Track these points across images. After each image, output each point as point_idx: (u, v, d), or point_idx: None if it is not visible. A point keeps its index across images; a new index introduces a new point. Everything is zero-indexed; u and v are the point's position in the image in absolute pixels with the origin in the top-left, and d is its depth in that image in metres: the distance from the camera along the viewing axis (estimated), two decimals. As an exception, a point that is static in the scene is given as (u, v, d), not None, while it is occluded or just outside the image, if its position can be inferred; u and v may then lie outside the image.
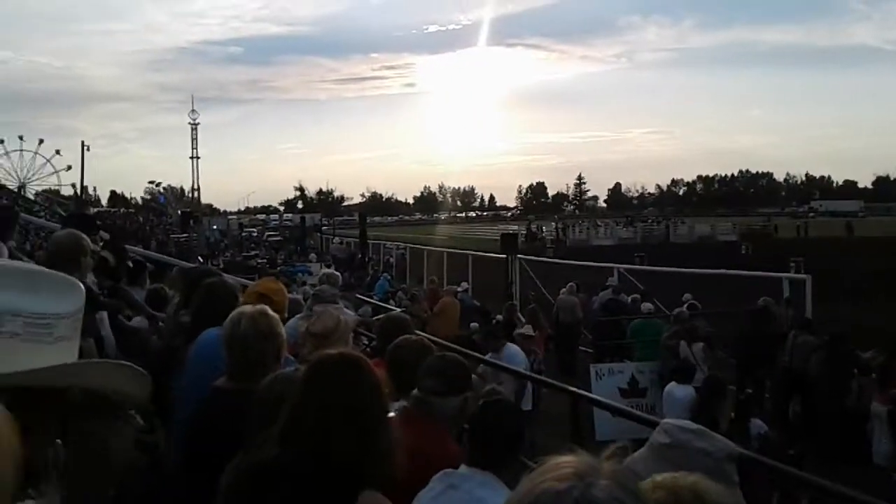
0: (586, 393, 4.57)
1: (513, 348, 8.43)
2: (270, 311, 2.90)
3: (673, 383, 8.71)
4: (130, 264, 5.99)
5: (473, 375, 2.97)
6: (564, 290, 15.67)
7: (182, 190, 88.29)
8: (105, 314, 4.34)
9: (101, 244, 4.93)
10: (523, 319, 12.31)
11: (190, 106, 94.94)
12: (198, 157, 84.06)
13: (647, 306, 13.49)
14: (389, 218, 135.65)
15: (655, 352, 11.12)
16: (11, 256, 5.09)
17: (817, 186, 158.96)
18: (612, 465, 0.90)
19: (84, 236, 3.82)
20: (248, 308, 2.91)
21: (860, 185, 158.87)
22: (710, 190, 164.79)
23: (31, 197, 66.83)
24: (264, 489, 1.86)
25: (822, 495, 3.50)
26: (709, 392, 7.59)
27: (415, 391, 2.81)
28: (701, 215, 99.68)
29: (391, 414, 2.19)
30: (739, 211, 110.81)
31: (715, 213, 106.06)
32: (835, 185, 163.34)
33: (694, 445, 1.94)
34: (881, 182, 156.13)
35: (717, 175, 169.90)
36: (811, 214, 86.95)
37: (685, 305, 12.51)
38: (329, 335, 3.68)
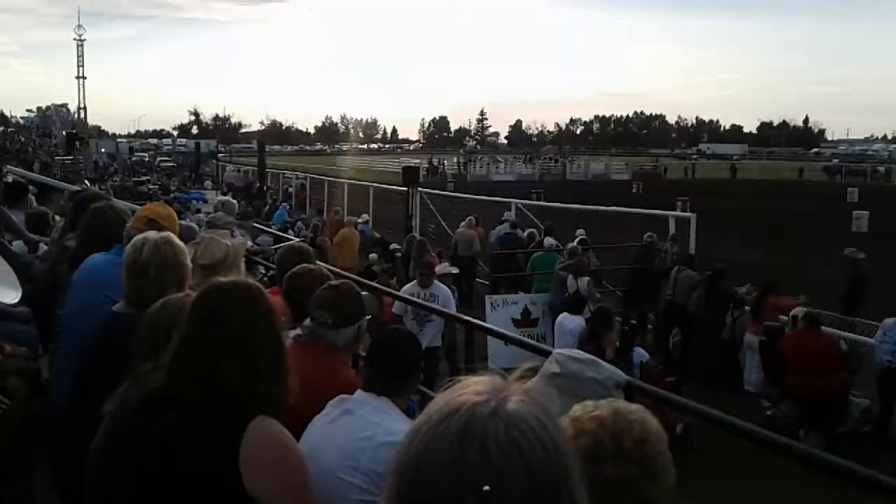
0: (481, 322, 4.69)
1: (444, 288, 8.29)
2: (176, 240, 2.82)
3: (564, 314, 9.09)
4: (7, 181, 5.64)
5: (364, 294, 3.00)
6: (463, 223, 15.86)
7: (67, 109, 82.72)
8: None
9: (-25, 166, 4.61)
10: (432, 251, 12.49)
11: (76, 20, 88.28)
12: (84, 78, 78.51)
13: (549, 241, 13.84)
14: (289, 147, 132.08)
15: (547, 284, 11.51)
16: None
17: (706, 129, 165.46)
18: (521, 384, 0.95)
19: (-48, 154, 3.57)
20: (152, 234, 2.82)
21: (745, 130, 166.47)
22: (605, 130, 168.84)
23: None
24: (151, 418, 1.82)
25: (698, 419, 3.77)
26: (596, 322, 7.99)
27: (307, 321, 2.82)
28: (597, 154, 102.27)
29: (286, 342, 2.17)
30: (632, 151, 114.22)
31: (609, 153, 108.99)
32: (722, 129, 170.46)
33: (584, 374, 2.00)
34: (765, 127, 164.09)
35: (612, 115, 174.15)
36: (694, 157, 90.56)
37: (577, 240, 12.92)
38: (218, 265, 3.57)
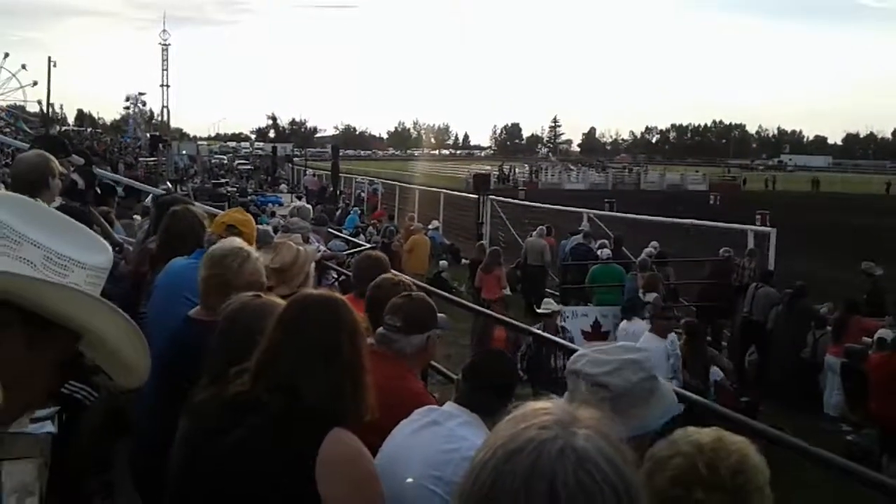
0: (549, 335, 4.66)
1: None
2: (255, 254, 2.88)
3: (625, 321, 8.96)
4: (98, 189, 5.89)
5: (440, 315, 3.00)
6: (534, 232, 15.76)
7: (151, 113, 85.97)
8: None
9: (72, 168, 4.82)
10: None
11: (162, 25, 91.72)
12: (168, 86, 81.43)
13: (606, 252, 13.66)
14: (362, 152, 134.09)
15: (613, 297, 11.33)
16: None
17: (788, 140, 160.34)
18: (589, 412, 0.92)
19: (52, 158, 3.74)
20: (230, 245, 2.88)
21: (830, 141, 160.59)
22: (682, 139, 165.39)
23: (-6, 111, 64.61)
24: (235, 421, 1.88)
25: (768, 443, 3.64)
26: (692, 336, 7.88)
27: (380, 329, 2.85)
28: (672, 163, 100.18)
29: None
30: (710, 161, 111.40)
31: (685, 162, 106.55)
32: (805, 139, 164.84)
33: (634, 380, 1.82)
34: (850, 139, 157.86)
35: (689, 124, 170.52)
36: (789, 167, 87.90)
37: (647, 253, 12.68)
38: (288, 269, 3.69)
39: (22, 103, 71.98)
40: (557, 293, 14.48)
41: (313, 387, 1.86)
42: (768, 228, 14.31)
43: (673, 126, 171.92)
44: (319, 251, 6.50)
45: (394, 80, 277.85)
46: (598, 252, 13.69)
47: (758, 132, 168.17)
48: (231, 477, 1.85)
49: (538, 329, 7.11)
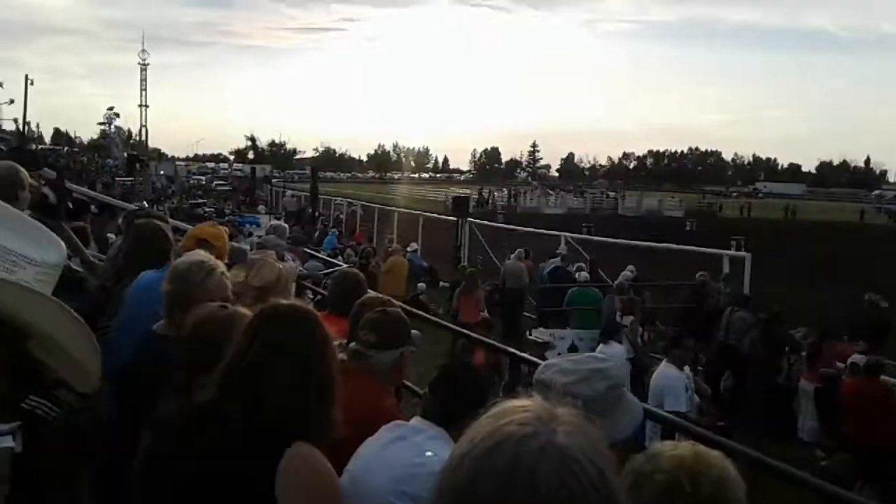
0: (523, 354, 4.65)
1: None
2: (221, 268, 2.84)
3: (601, 345, 8.97)
4: (70, 204, 5.81)
5: (413, 331, 2.97)
6: (513, 255, 15.80)
7: (129, 132, 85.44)
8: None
9: (43, 182, 4.75)
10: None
11: (140, 45, 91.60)
12: (146, 106, 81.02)
13: (584, 275, 13.73)
14: (342, 174, 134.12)
15: (590, 320, 11.36)
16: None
17: (763, 168, 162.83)
18: (568, 410, 0.91)
19: (21, 169, 3.68)
20: (195, 258, 2.84)
21: (804, 169, 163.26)
22: (659, 165, 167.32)
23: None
24: (195, 431, 1.85)
25: (746, 465, 3.64)
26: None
27: (352, 344, 2.81)
28: (650, 189, 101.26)
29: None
30: (686, 187, 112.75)
31: (663, 189, 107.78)
32: (780, 167, 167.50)
33: (599, 390, 1.82)
34: (824, 167, 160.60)
35: (667, 150, 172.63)
36: (758, 194, 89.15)
37: (625, 277, 12.76)
38: (270, 288, 3.66)
39: (-3, 121, 71.48)
40: (535, 316, 14.51)
41: (278, 399, 1.82)
42: (743, 253, 14.47)
43: (650, 152, 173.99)
44: (297, 270, 6.46)
45: (374, 103, 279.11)
46: (576, 275, 13.76)
47: (733, 159, 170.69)
48: (193, 489, 1.81)
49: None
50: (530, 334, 13.15)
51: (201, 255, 2.84)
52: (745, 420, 9.51)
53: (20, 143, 39.90)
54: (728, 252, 14.78)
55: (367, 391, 2.70)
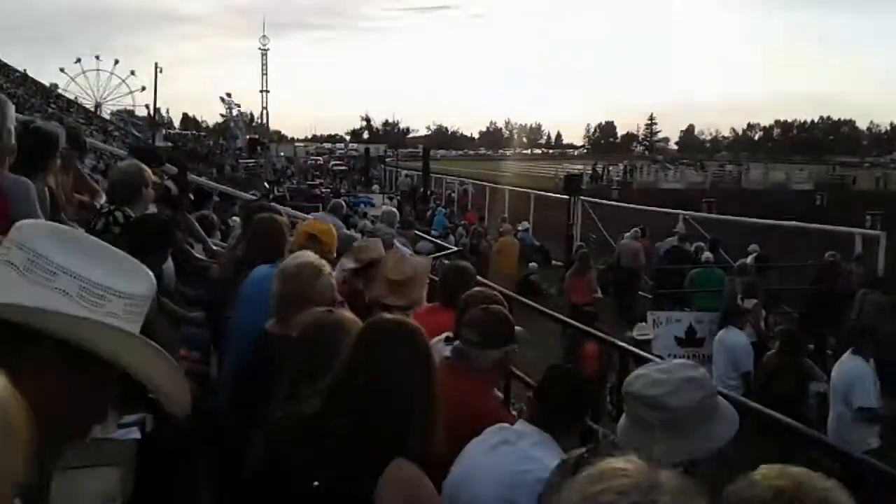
0: (635, 350, 4.48)
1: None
2: (327, 268, 2.89)
3: (724, 330, 8.57)
4: (192, 195, 6.10)
5: (517, 328, 2.92)
6: (628, 234, 15.38)
7: (251, 116, 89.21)
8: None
9: (166, 177, 5.01)
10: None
11: (262, 30, 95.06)
12: (267, 91, 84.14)
13: (707, 255, 13.16)
14: (454, 152, 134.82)
15: (714, 302, 10.89)
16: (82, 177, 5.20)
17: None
18: (670, 475, 0.84)
19: (145, 167, 3.88)
20: (306, 259, 2.90)
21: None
22: (787, 136, 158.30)
23: (107, 116, 68.62)
24: (305, 441, 1.90)
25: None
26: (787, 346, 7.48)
27: (456, 342, 2.80)
28: (777, 162, 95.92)
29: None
30: (817, 159, 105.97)
31: (791, 161, 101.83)
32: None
33: (695, 400, 1.79)
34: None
35: (795, 120, 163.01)
36: (893, 166, 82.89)
37: (749, 257, 12.14)
38: (407, 282, 3.75)
39: (131, 108, 76.41)
40: (650, 296, 14.12)
41: (382, 414, 1.84)
42: (878, 232, 13.48)
43: (777, 122, 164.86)
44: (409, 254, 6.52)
45: (485, 80, 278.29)
46: (700, 255, 13.24)
47: (869, 128, 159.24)
48: (298, 498, 1.86)
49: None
50: (632, 313, 12.84)
51: (310, 256, 2.89)
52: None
53: (151, 127, 42.42)
54: (861, 230, 13.77)
55: (470, 389, 2.69)
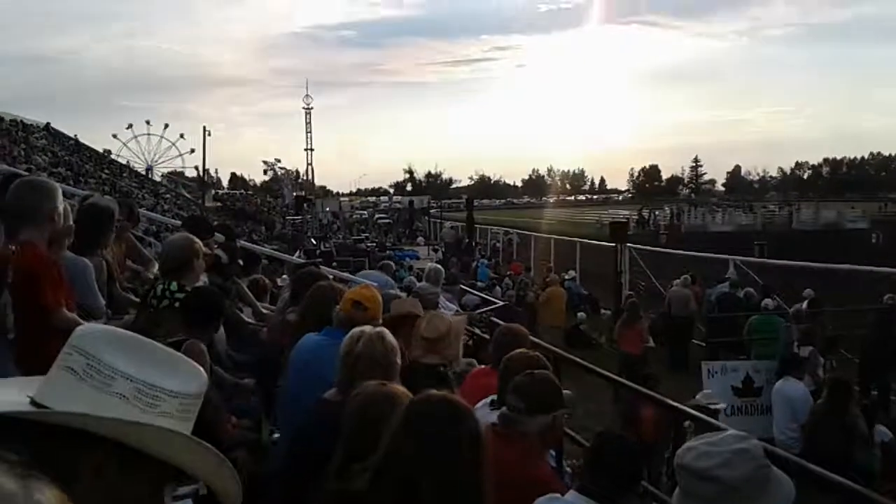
0: (681, 406, 4.36)
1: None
2: (389, 336, 2.90)
3: (782, 380, 8.36)
4: (241, 262, 6.24)
5: (565, 392, 2.89)
6: (678, 281, 15.14)
7: (297, 172, 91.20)
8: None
9: (216, 245, 5.15)
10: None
11: (304, 90, 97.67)
12: (311, 150, 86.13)
13: (767, 302, 12.85)
14: (497, 201, 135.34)
15: (773, 350, 10.61)
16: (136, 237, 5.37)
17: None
18: None
19: (196, 239, 3.99)
20: (368, 329, 2.93)
21: None
22: (837, 173, 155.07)
23: (158, 179, 70.91)
24: None
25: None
26: (834, 396, 7.25)
27: (503, 408, 2.78)
28: (827, 200, 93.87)
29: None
30: (869, 196, 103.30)
31: (843, 199, 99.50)
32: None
33: (748, 471, 1.77)
34: None
35: (845, 158, 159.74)
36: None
37: (804, 303, 11.84)
38: (441, 339, 3.77)
39: (181, 169, 78.89)
40: (703, 345, 13.82)
41: (428, 492, 1.82)
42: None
43: (826, 160, 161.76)
44: (452, 312, 6.53)
45: (527, 129, 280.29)
46: (762, 302, 12.95)
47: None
48: None
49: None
50: (684, 361, 12.50)
51: (383, 331, 2.91)
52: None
53: (201, 188, 43.65)
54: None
55: (518, 457, 2.66)
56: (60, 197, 3.24)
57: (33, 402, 1.11)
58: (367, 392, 2.37)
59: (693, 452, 1.84)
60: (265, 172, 78.61)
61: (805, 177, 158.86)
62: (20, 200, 3.12)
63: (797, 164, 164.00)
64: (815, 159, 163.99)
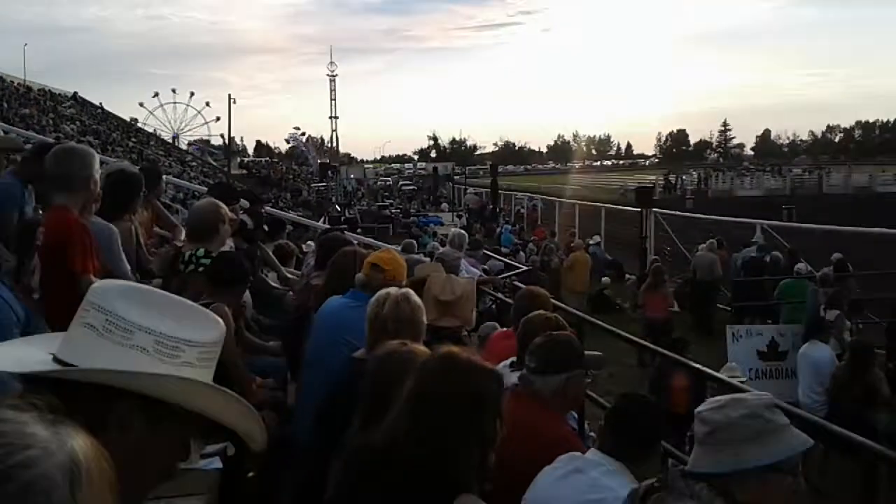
0: (704, 368, 4.35)
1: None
2: (414, 297, 2.94)
3: (807, 344, 8.32)
4: (266, 227, 6.31)
5: (592, 354, 2.91)
6: (703, 246, 15.01)
7: (322, 140, 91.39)
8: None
9: (241, 211, 5.21)
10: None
11: (329, 57, 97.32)
12: (336, 117, 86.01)
13: (800, 267, 12.71)
14: (522, 167, 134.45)
15: (802, 314, 10.52)
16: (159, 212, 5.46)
17: None
18: None
19: (221, 205, 4.04)
20: (394, 290, 2.97)
21: None
22: (869, 137, 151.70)
23: (184, 147, 71.39)
24: (370, 476, 1.92)
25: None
26: (855, 360, 7.22)
27: (523, 370, 2.81)
28: (859, 164, 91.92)
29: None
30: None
31: (874, 162, 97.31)
32: None
33: (733, 417, 1.84)
34: None
35: (877, 121, 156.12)
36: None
37: (832, 266, 11.70)
38: (456, 302, 3.82)
39: (207, 137, 79.34)
40: (729, 309, 13.74)
41: (447, 453, 1.83)
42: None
43: (858, 123, 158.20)
44: (475, 276, 6.56)
45: (553, 94, 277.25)
46: (795, 267, 12.80)
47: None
48: None
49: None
50: (710, 325, 12.43)
51: (408, 292, 2.95)
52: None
53: (227, 156, 43.89)
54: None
55: (538, 416, 2.69)
56: (97, 164, 3.30)
57: (56, 360, 1.13)
58: (386, 350, 2.41)
59: (707, 403, 1.94)
60: (287, 142, 78.81)
61: (836, 140, 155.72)
62: (59, 167, 3.19)
63: (828, 127, 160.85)
64: (846, 122, 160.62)
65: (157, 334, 1.15)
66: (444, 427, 1.85)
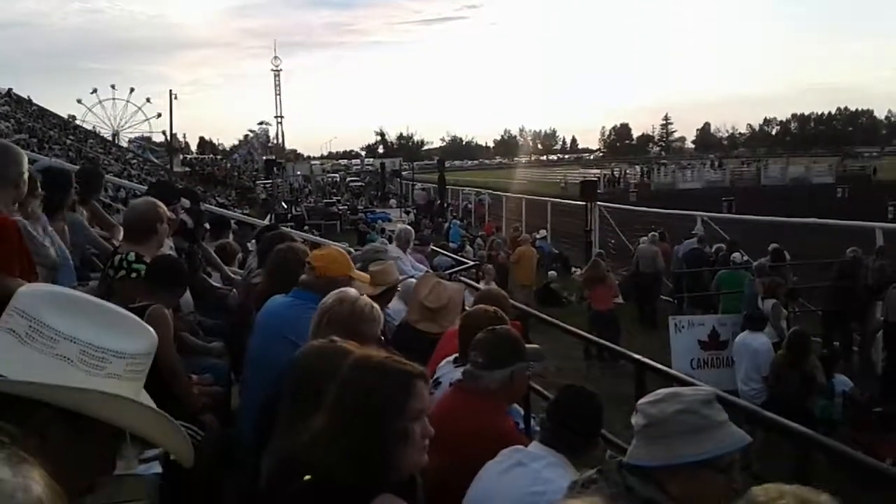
0: (650, 362, 4.43)
1: None
2: (362, 302, 2.82)
3: (745, 332, 8.55)
4: (207, 226, 6.19)
5: (532, 346, 2.93)
6: (645, 239, 15.31)
7: (267, 136, 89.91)
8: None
9: (182, 210, 5.10)
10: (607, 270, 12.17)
11: (274, 51, 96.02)
12: (281, 117, 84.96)
13: (735, 256, 13.05)
14: (469, 162, 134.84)
15: (741, 304, 10.81)
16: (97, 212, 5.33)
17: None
18: None
19: (160, 204, 3.95)
20: (351, 292, 2.89)
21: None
22: (805, 129, 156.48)
23: (125, 144, 69.48)
24: (285, 481, 1.85)
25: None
26: (793, 348, 7.45)
27: (467, 365, 2.82)
28: (796, 156, 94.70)
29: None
30: (836, 151, 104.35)
31: (810, 154, 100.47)
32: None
33: (668, 412, 1.86)
34: None
35: (812, 113, 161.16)
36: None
37: (769, 256, 12.03)
38: (442, 309, 3.85)
39: (148, 134, 77.37)
40: (672, 300, 14.03)
41: (359, 456, 1.74)
42: (896, 225, 13.25)
43: (794, 116, 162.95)
44: (417, 273, 6.56)
45: (498, 89, 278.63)
46: (731, 257, 13.13)
47: (887, 117, 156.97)
48: None
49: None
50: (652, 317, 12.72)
51: (360, 298, 2.85)
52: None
53: (168, 153, 42.99)
54: (881, 224, 13.47)
55: (480, 411, 2.70)
56: (26, 162, 3.20)
57: None
58: (312, 347, 2.35)
59: (647, 396, 1.97)
60: (249, 134, 77.53)
61: (773, 133, 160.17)
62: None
63: (766, 120, 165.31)
64: (783, 115, 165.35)
65: (82, 344, 1.09)
66: (355, 430, 1.76)
